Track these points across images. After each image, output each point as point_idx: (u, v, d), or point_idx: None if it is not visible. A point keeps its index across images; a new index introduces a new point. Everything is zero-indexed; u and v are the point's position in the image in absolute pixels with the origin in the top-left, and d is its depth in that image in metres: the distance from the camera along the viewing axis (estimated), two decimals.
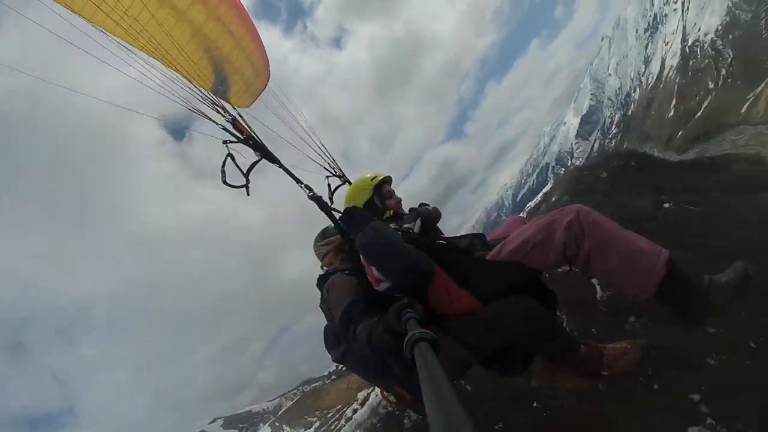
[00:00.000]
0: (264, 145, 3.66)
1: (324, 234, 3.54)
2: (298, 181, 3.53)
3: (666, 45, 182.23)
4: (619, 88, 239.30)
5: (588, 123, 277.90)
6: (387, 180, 3.42)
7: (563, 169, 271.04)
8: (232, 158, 3.48)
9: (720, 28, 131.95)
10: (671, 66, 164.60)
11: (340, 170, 4.28)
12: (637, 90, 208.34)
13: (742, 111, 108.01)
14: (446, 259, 2.59)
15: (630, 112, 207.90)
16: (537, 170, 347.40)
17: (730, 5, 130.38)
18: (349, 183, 4.17)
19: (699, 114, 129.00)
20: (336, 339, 3.05)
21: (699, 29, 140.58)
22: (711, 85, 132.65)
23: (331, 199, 4.08)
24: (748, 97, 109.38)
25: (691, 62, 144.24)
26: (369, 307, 2.53)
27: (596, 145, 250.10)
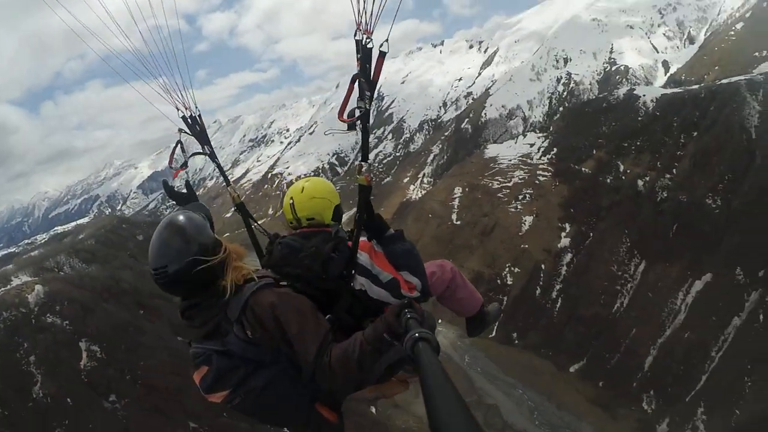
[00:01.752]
0: (211, 143, 3.96)
1: (201, 231, 2.46)
2: (228, 182, 3.96)
3: (258, 162, 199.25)
4: (200, 169, 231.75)
5: (156, 181, 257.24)
6: None
7: (110, 210, 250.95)
8: (182, 145, 3.89)
9: (302, 177, 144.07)
10: (250, 180, 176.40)
11: (201, 122, 3.98)
12: (214, 180, 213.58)
13: None
14: None
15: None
16: (85, 197, 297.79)
17: (320, 165, 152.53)
18: (211, 153, 4.01)
19: (254, 225, 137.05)
20: (256, 365, 2.43)
21: (288, 167, 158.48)
22: (271, 211, 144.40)
23: (185, 163, 3.98)
24: None
25: (266, 186, 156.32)
26: (335, 333, 2.48)
27: (152, 205, 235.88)
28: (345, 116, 2.57)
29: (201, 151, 3.93)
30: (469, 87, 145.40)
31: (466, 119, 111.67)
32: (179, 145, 3.88)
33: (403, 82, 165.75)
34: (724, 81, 59.75)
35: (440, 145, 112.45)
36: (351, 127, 2.59)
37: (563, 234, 59.04)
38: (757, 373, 37.17)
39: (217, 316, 2.40)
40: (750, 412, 35.86)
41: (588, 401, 43.78)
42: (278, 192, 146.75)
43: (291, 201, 3.07)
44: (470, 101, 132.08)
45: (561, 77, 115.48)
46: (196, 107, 3.89)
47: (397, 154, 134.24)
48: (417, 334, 1.65)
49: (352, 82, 2.53)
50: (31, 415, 29.18)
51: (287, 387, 2.45)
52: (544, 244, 59.01)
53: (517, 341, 53.05)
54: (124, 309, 40.60)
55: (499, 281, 58.47)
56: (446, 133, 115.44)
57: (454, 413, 0.99)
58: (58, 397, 30.50)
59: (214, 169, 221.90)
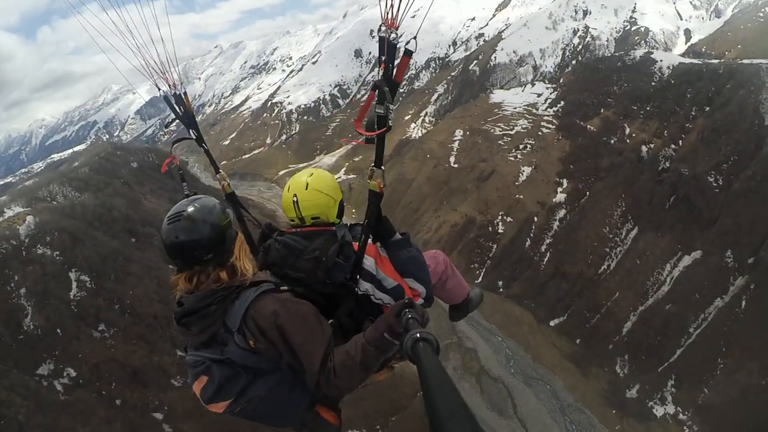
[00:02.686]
0: (198, 127, 3.60)
1: (212, 211, 2.33)
2: (217, 169, 3.51)
3: (258, 90, 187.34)
4: (199, 95, 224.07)
5: (154, 107, 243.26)
6: None
7: (107, 137, 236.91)
8: (177, 116, 3.54)
9: (303, 107, 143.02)
10: (250, 107, 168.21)
11: (187, 101, 3.61)
12: (213, 107, 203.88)
13: (280, 173, 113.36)
14: None
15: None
16: (83, 123, 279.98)
17: (321, 96, 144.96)
18: (198, 137, 3.66)
19: (247, 156, 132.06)
20: (256, 373, 2.32)
21: (289, 97, 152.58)
22: (269, 141, 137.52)
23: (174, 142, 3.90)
24: (290, 166, 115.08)
25: (265, 114, 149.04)
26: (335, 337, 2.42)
27: (149, 132, 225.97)
28: (364, 127, 2.36)
29: (187, 135, 3.61)
30: (482, 28, 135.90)
31: (475, 61, 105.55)
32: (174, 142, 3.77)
33: (413, 17, 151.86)
34: (746, 61, 56.31)
35: (445, 85, 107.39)
36: (369, 140, 2.38)
37: (559, 189, 57.67)
38: (730, 357, 37.64)
39: (216, 324, 2.25)
40: (718, 393, 36.62)
41: (563, 356, 44.40)
42: (277, 121, 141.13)
43: (294, 198, 2.77)
44: (481, 43, 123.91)
45: (578, 29, 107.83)
46: (182, 84, 3.53)
47: (401, 90, 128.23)
48: (417, 335, 1.61)
49: (374, 89, 2.28)
50: (22, 348, 29.14)
51: (288, 393, 2.39)
52: (539, 196, 57.71)
53: (501, 289, 53.10)
54: (115, 237, 40.04)
55: (490, 228, 57.74)
56: (453, 74, 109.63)
57: (454, 413, 0.99)
58: (48, 329, 30.35)
59: (214, 95, 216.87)
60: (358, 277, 2.67)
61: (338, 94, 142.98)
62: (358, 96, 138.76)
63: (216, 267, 2.27)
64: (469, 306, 3.82)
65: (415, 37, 2.18)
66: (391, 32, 2.19)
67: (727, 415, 34.97)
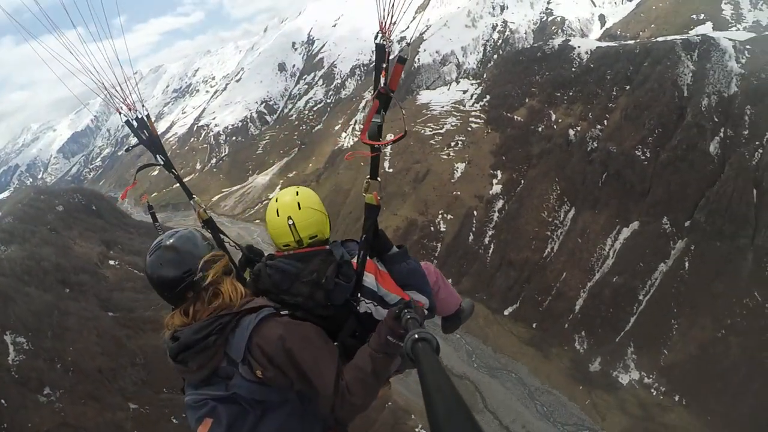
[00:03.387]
0: (165, 151, 3.31)
1: (196, 244, 2.29)
2: (190, 195, 3.29)
3: (183, 114, 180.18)
4: (122, 126, 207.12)
5: (77, 143, 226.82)
6: None
7: (31, 180, 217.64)
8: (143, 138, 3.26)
9: (230, 127, 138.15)
10: (176, 133, 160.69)
11: (151, 125, 3.30)
12: (132, 136, 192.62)
13: (213, 199, 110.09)
14: None
15: (116, 152, 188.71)
16: (4, 168, 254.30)
17: (248, 114, 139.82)
18: (167, 162, 3.34)
19: (177, 185, 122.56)
20: (264, 409, 2.15)
21: (215, 118, 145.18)
22: (199, 166, 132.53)
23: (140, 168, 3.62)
24: (224, 190, 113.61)
25: (192, 139, 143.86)
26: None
27: (74, 170, 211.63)
28: (368, 137, 2.39)
29: (154, 162, 3.33)
30: (403, 31, 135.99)
31: None
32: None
33: (334, 25, 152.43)
34: (660, 39, 58.82)
35: (372, 91, 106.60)
36: (375, 149, 2.41)
37: (495, 181, 57.60)
38: (682, 316, 38.37)
39: (217, 357, 2.11)
40: (678, 352, 37.11)
41: (522, 342, 43.82)
42: (205, 145, 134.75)
43: (290, 222, 2.58)
44: (404, 46, 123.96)
45: (497, 25, 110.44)
46: (144, 106, 3.28)
47: (328, 100, 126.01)
48: (416, 335, 1.59)
49: (377, 98, 2.29)
50: None
51: (299, 426, 2.26)
52: (475, 190, 57.45)
53: None
54: (47, 290, 36.36)
55: (432, 228, 56.63)
56: None
57: (454, 413, 0.98)
58: None
59: (157, 117, 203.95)
60: (359, 295, 2.56)
61: (265, 111, 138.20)
62: (286, 111, 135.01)
63: (208, 291, 2.14)
64: (462, 317, 3.65)
65: (408, 44, 2.19)
66: (387, 39, 2.16)
67: (689, 371, 35.65)
